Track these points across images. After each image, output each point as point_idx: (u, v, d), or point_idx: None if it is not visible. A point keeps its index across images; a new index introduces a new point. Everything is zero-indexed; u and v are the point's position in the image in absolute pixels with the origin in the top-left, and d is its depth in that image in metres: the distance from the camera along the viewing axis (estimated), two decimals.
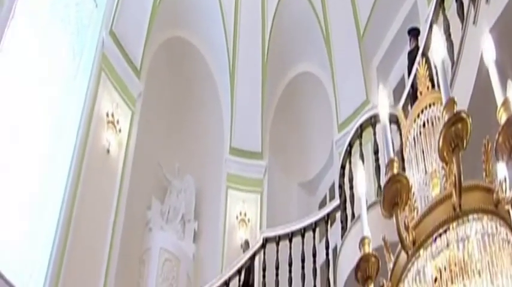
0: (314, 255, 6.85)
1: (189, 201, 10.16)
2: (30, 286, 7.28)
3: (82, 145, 8.32)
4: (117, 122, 9.14)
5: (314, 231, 7.05)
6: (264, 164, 10.89)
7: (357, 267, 2.43)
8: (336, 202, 6.83)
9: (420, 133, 2.63)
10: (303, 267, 6.84)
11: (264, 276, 7.14)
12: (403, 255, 2.31)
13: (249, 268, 7.15)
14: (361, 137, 6.62)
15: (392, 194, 2.24)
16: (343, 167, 6.64)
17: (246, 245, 8.69)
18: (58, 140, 8.20)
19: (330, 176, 10.25)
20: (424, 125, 2.63)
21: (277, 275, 6.95)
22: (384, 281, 2.39)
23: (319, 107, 10.77)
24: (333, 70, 10.41)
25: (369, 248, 2.44)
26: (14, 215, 7.26)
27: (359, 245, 2.48)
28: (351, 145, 6.62)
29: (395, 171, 2.24)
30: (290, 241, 7.10)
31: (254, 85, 11.00)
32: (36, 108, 7.96)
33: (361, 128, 6.59)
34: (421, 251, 2.22)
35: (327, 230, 7.06)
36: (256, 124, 11.06)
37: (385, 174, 2.28)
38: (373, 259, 2.42)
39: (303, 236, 7.04)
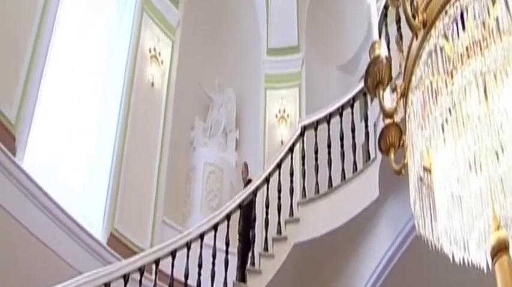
0: (353, 131, 6.61)
1: (229, 112, 10.67)
2: (89, 217, 7.99)
3: (129, 83, 9.20)
4: (159, 54, 9.88)
5: (352, 106, 6.77)
6: (301, 57, 11.16)
7: (366, 73, 2.13)
8: None
9: None
10: (342, 146, 6.79)
11: (303, 164, 7.11)
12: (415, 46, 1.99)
13: (250, 203, 6.99)
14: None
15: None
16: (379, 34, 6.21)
17: (245, 166, 8.80)
18: (109, 81, 9.08)
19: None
20: None
21: (316, 159, 6.92)
22: (396, 83, 2.09)
23: None
24: None
25: (379, 51, 2.12)
26: (74, 150, 8.11)
27: (369, 52, 2.17)
28: (386, 8, 6.25)
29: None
30: (328, 123, 7.04)
31: None
32: (89, 51, 8.82)
33: None
34: (433, 30, 1.89)
35: (366, 104, 6.75)
36: (291, 18, 11.25)
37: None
38: (384, 61, 2.11)
39: (341, 115, 6.94)
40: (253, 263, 6.73)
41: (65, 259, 7.09)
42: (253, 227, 6.94)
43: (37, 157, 7.14)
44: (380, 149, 2.43)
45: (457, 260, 2.48)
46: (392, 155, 2.48)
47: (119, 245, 8.33)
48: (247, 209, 7.06)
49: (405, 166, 2.55)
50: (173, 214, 9.49)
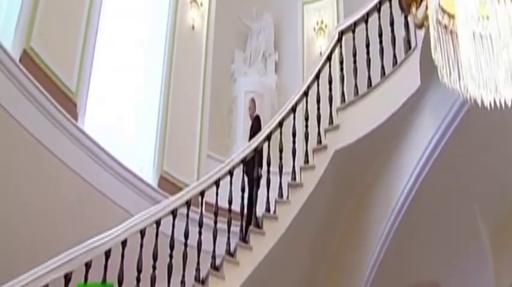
0: (392, 24, 6.46)
1: (268, 37, 10.76)
2: (141, 164, 8.48)
3: (172, 29, 9.55)
4: None
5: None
6: None
7: None
8: None
9: None
10: (380, 42, 6.63)
11: (341, 69, 7.07)
12: None
13: (253, 158, 6.98)
14: None
15: None
16: None
17: (252, 102, 8.67)
18: (152, 30, 9.52)
19: None
20: None
21: (354, 62, 6.86)
22: None
23: None
24: None
25: None
26: (125, 106, 8.70)
27: None
28: None
29: None
30: (366, 23, 6.87)
31: None
32: (134, 5, 9.28)
33: None
34: None
35: None
36: None
37: None
38: None
39: (378, 11, 6.74)
40: (294, 178, 6.75)
41: (122, 205, 7.55)
42: (294, 143, 6.92)
43: (94, 118, 7.79)
44: (401, 7, 2.36)
45: (486, 103, 2.35)
46: (414, 9, 2.37)
47: (168, 185, 8.64)
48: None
49: (427, 18, 2.46)
50: (217, 147, 9.72)
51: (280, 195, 6.69)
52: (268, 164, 6.76)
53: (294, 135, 6.93)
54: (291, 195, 6.58)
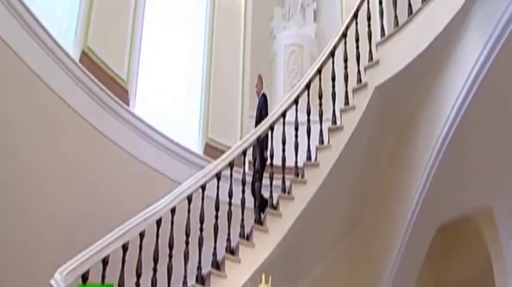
0: None
1: None
2: (188, 135, 8.74)
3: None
4: None
5: None
6: None
7: None
8: None
9: None
10: None
11: (380, 3, 6.94)
12: None
13: (261, 147, 6.93)
14: None
15: None
16: None
17: (259, 79, 8.39)
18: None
19: None
20: None
21: None
22: None
23: None
24: None
25: None
26: (171, 82, 8.90)
27: None
28: None
29: None
30: None
31: None
32: None
33: None
34: None
35: None
36: None
37: None
38: None
39: None
40: (334, 122, 6.67)
41: (172, 177, 7.82)
42: (333, 87, 6.84)
43: (144, 101, 8.27)
44: None
45: None
46: None
47: (213, 150, 8.69)
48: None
49: None
50: None
51: (321, 142, 6.61)
52: (308, 113, 6.72)
53: (333, 79, 6.81)
54: (332, 139, 6.53)
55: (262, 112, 7.76)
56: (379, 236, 6.75)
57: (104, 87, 7.25)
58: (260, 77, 8.31)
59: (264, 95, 8.07)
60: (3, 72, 5.86)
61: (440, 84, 5.82)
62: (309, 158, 6.51)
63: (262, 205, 6.49)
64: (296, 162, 6.53)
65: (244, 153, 6.52)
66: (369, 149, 6.57)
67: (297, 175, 6.46)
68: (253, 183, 7.05)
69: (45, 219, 6.14)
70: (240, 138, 8.73)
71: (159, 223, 5.73)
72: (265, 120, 6.80)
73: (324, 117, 6.74)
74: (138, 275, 5.39)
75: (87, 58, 7.14)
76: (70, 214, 6.47)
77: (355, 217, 6.61)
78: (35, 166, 6.15)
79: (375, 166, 6.64)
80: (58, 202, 6.36)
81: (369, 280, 6.77)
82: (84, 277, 4.98)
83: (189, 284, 5.78)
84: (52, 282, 4.64)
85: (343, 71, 6.81)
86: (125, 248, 5.36)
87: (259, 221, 6.26)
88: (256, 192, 6.66)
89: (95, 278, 5.07)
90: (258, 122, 7.65)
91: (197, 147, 8.79)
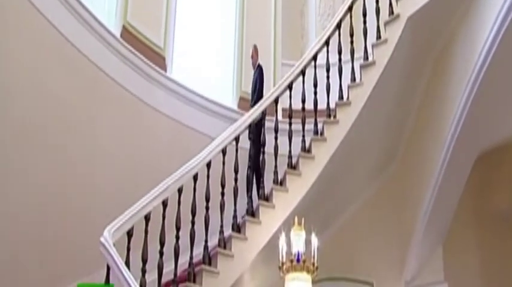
0: None
1: None
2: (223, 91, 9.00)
3: None
4: None
5: None
6: None
7: None
8: None
9: None
10: None
11: None
12: None
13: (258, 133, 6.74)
14: None
15: None
16: None
17: (255, 49, 8.29)
18: None
19: None
20: None
21: None
22: None
23: None
24: None
25: None
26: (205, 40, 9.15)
27: None
28: None
29: None
30: None
31: None
32: None
33: None
34: None
35: None
36: None
37: None
38: None
39: None
40: (366, 58, 6.54)
41: (208, 134, 8.01)
42: (365, 22, 6.71)
43: (180, 64, 8.60)
44: None
45: None
46: None
47: (248, 103, 8.65)
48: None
49: None
50: (292, 54, 9.50)
51: (353, 79, 6.52)
52: (340, 53, 6.62)
53: (364, 15, 6.70)
54: (364, 76, 6.41)
55: (257, 85, 7.72)
56: (414, 171, 6.66)
57: (143, 58, 7.77)
58: (255, 47, 8.20)
59: (259, 66, 7.97)
60: (57, 57, 6.73)
61: (475, 10, 5.61)
62: (341, 97, 6.42)
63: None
64: (328, 103, 6.47)
65: (276, 101, 6.56)
66: (403, 83, 6.48)
67: (329, 115, 6.41)
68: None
69: (99, 179, 6.93)
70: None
71: (195, 177, 5.88)
72: (297, 64, 6.70)
73: (355, 56, 6.63)
74: (178, 229, 5.52)
75: (127, 33, 7.74)
76: (119, 173, 7.14)
77: (390, 154, 6.52)
78: (89, 134, 6.95)
79: (410, 99, 6.57)
80: (108, 164, 7.08)
81: (404, 217, 6.74)
82: (129, 234, 5.23)
83: (225, 233, 5.93)
84: (102, 239, 4.89)
85: (374, 5, 6.69)
86: (164, 204, 5.54)
87: (292, 166, 6.24)
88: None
89: (138, 234, 5.27)
90: (253, 95, 7.72)
91: (231, 101, 8.97)
